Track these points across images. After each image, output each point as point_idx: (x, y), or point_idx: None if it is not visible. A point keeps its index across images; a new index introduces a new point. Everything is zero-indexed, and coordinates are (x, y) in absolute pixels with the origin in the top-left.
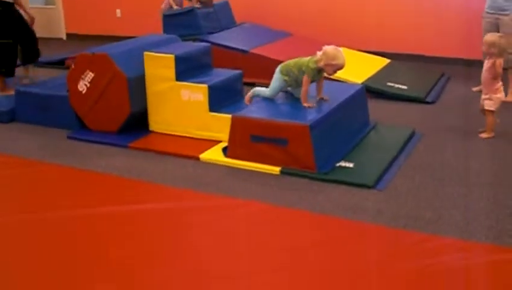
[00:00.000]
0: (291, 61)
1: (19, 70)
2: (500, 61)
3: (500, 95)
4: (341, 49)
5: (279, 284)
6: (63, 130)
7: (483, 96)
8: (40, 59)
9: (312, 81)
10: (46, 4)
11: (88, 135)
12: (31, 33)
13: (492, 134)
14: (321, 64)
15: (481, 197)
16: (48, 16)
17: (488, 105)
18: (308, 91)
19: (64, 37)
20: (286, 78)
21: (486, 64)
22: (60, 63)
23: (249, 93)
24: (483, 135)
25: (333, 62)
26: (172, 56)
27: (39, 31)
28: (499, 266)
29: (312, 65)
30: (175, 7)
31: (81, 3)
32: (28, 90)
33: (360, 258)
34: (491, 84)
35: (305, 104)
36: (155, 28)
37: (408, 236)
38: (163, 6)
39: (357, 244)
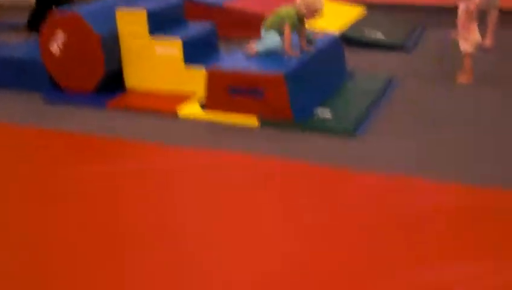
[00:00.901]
0: (270, 16)
1: None
2: (472, 3)
3: (476, 37)
4: None
5: (275, 234)
6: (38, 93)
7: (459, 39)
8: (14, 22)
9: (293, 30)
10: None
11: (65, 97)
12: None
13: (470, 78)
14: (301, 10)
15: (460, 140)
16: None
17: (464, 47)
18: (290, 39)
19: None
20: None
21: (461, 7)
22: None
23: (251, 46)
24: (461, 79)
25: (312, 6)
26: (144, 12)
27: None
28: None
29: (292, 12)
30: None
31: None
32: (2, 54)
33: (357, 209)
34: (466, 27)
35: (290, 53)
36: None
37: (391, 181)
38: None
39: (343, 191)
